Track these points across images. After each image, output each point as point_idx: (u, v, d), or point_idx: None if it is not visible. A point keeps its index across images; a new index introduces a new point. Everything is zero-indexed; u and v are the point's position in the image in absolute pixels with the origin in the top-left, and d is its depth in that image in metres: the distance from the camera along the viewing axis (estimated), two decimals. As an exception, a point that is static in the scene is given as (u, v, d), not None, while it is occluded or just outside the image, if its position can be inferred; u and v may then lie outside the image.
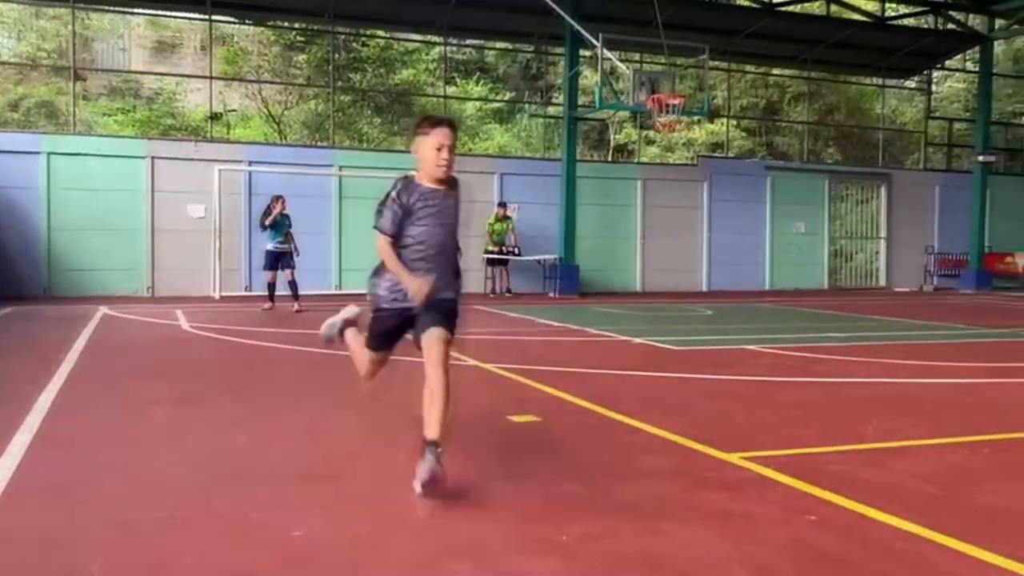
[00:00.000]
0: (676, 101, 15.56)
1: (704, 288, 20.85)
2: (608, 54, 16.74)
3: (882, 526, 3.53)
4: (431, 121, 4.11)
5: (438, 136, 4.03)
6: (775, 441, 5.02)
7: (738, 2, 21.64)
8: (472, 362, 8.11)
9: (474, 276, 18.28)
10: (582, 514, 3.69)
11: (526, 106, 25.41)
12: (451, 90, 23.83)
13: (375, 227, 4.10)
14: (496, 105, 26.38)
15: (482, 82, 26.45)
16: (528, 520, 3.61)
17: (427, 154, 4.06)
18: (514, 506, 3.82)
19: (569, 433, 5.28)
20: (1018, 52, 25.71)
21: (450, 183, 4.18)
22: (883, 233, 23.11)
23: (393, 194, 4.08)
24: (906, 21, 22.50)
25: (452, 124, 4.13)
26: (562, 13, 17.12)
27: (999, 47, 23.74)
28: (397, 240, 4.10)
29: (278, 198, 13.73)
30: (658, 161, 24.13)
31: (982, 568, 3.09)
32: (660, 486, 4.14)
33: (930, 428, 5.49)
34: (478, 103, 25.95)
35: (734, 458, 4.55)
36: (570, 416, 5.75)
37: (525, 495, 3.98)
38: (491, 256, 18.03)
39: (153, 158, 17.33)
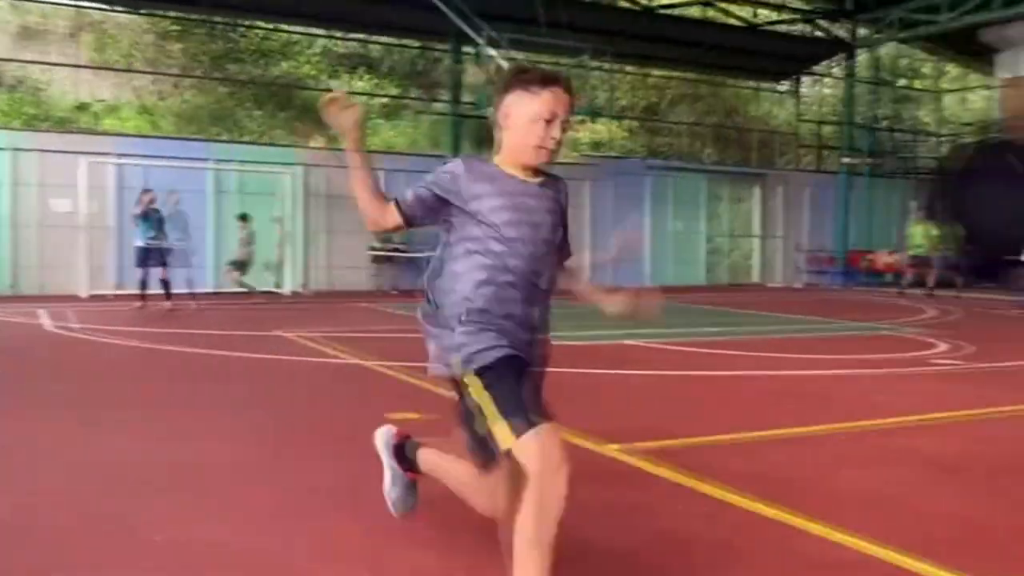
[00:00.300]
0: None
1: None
2: (493, 52, 16.79)
3: (750, 513, 3.65)
4: (541, 76, 2.57)
5: (550, 100, 2.53)
6: (652, 432, 5.12)
7: (620, 4, 22.06)
8: (355, 360, 8.00)
9: (360, 274, 18.09)
10: (456, 509, 3.67)
11: (412, 103, 25.24)
12: (335, 84, 23.45)
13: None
14: (382, 101, 26.10)
15: (367, 77, 26.12)
16: (403, 517, 3.58)
17: (523, 123, 2.55)
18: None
19: (449, 430, 5.26)
20: (879, 60, 27.07)
21: (546, 176, 2.70)
22: (757, 231, 23.98)
23: (439, 172, 2.63)
24: (779, 28, 23.42)
25: (570, 87, 2.61)
26: (445, 9, 17.07)
27: (863, 55, 24.96)
28: (443, 259, 2.68)
29: (146, 192, 13.26)
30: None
31: (842, 550, 3.23)
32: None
33: (799, 417, 5.71)
34: (363, 98, 25.61)
35: (611, 450, 4.63)
36: (449, 413, 5.73)
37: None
38: (377, 253, 17.83)
39: (15, 149, 16.37)
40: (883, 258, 22.35)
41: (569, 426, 5.13)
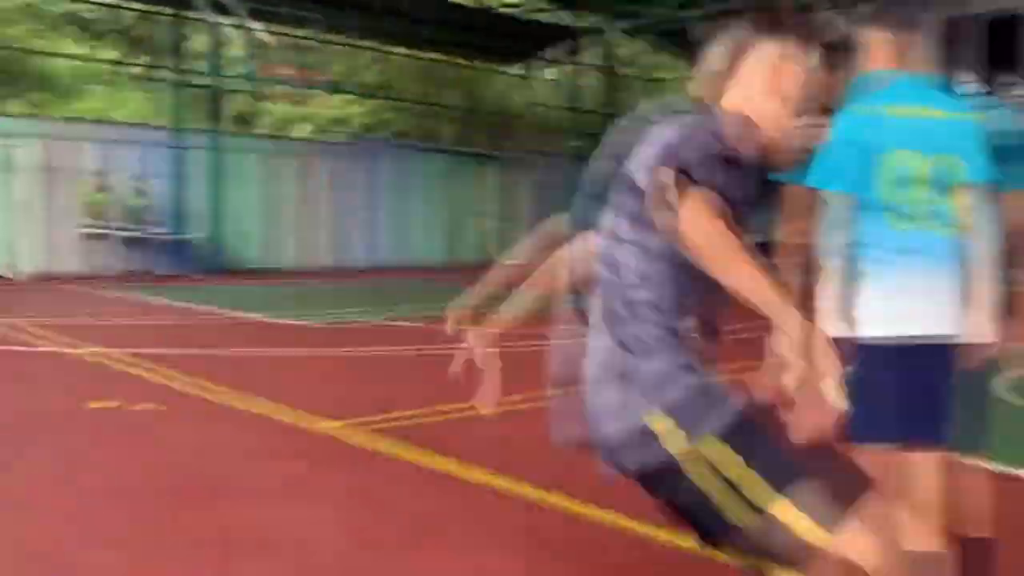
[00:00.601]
0: (295, 73, 15.24)
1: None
2: (221, 18, 15.92)
3: (467, 482, 3.70)
4: (811, 34, 1.82)
5: (815, 74, 1.82)
6: (375, 408, 5.06)
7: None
8: (80, 349, 7.30)
9: (82, 256, 16.52)
10: (175, 501, 3.44)
11: (131, 69, 23.38)
12: (39, 44, 21.26)
13: (681, 170, 1.54)
14: (98, 66, 23.97)
15: (80, 40, 23.88)
16: (112, 512, 3.30)
17: (782, 99, 1.80)
18: (97, 498, 3.48)
19: (173, 417, 4.94)
20: (610, 49, 28.52)
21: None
22: (498, 211, 24.66)
23: (719, 128, 1.65)
24: (514, 12, 24.07)
25: None
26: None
27: (592, 43, 26.20)
28: (629, 259, 1.69)
29: None
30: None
31: (540, 508, 3.36)
32: (262, 464, 4.00)
33: (520, 388, 5.86)
34: (76, 63, 23.39)
35: (337, 427, 4.54)
36: (179, 400, 5.39)
37: (110, 487, 3.64)
38: (96, 232, 16.26)
39: None
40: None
41: (304, 407, 4.98)
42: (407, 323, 9.34)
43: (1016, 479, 3.74)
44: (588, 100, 26.32)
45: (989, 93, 17.43)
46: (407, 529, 3.19)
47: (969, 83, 18.09)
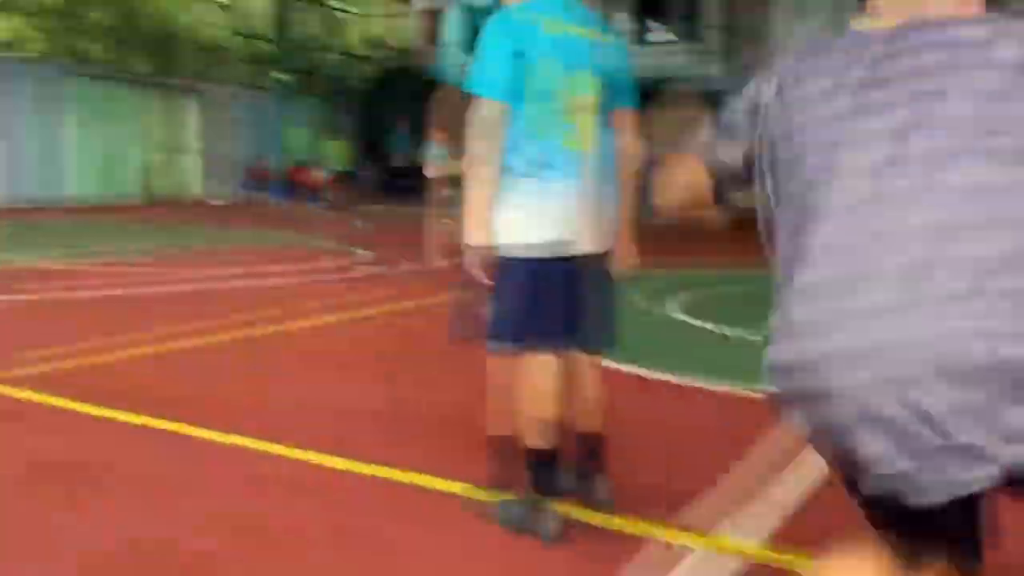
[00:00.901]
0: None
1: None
2: None
3: (128, 426, 3.59)
4: None
5: None
6: (32, 356, 4.72)
7: None
8: None
9: None
10: None
11: None
12: None
13: None
14: None
15: None
16: None
17: None
18: None
19: None
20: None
21: None
22: (196, 146, 23.31)
23: None
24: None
25: None
26: None
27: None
28: None
29: None
30: None
31: (233, 449, 3.37)
32: None
33: (197, 328, 5.70)
34: None
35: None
36: None
37: None
38: None
39: None
40: (315, 174, 23.26)
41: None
42: (37, 265, 8.69)
43: (696, 389, 4.21)
44: (258, 26, 25.17)
45: (637, 35, 19.23)
46: (43, 477, 3.06)
47: (621, 23, 19.60)
